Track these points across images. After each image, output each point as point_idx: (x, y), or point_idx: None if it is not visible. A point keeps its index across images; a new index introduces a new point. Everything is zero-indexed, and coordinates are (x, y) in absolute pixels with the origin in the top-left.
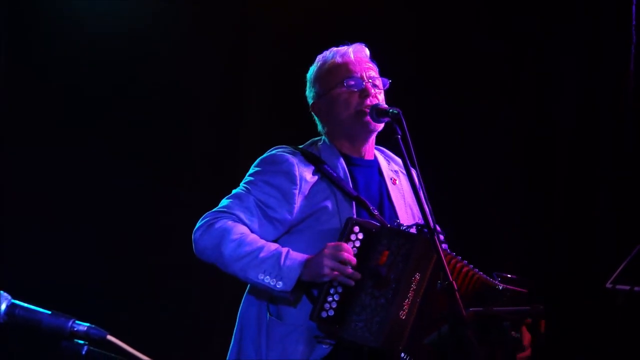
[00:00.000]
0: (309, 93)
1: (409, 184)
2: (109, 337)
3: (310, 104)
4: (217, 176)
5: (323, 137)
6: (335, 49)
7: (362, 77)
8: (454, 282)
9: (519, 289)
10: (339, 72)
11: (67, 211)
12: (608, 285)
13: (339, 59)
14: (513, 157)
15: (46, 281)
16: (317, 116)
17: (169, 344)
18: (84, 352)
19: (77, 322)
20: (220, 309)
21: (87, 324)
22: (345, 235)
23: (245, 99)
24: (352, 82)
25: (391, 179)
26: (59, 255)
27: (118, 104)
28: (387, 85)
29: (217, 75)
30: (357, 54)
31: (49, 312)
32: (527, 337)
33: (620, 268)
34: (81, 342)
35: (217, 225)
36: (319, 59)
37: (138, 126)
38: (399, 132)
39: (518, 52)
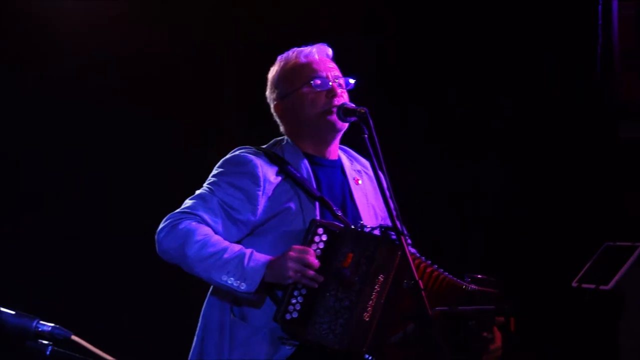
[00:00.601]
0: (271, 94)
1: (372, 183)
2: (74, 337)
3: (273, 104)
4: (197, 174)
5: (286, 137)
6: (297, 49)
7: (327, 77)
8: (420, 281)
9: (488, 289)
10: (304, 72)
11: (53, 211)
12: (574, 284)
13: (303, 59)
14: (482, 156)
15: (33, 284)
16: (280, 117)
17: (167, 344)
18: (48, 353)
19: (41, 322)
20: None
21: (52, 324)
22: (309, 237)
23: (224, 97)
24: (319, 82)
25: (354, 179)
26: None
27: (100, 101)
28: (351, 86)
29: (195, 72)
30: (320, 53)
31: (13, 312)
32: (498, 338)
33: (585, 267)
34: (45, 342)
35: (181, 226)
36: (281, 59)
37: (123, 126)
38: (366, 132)
39: (486, 50)
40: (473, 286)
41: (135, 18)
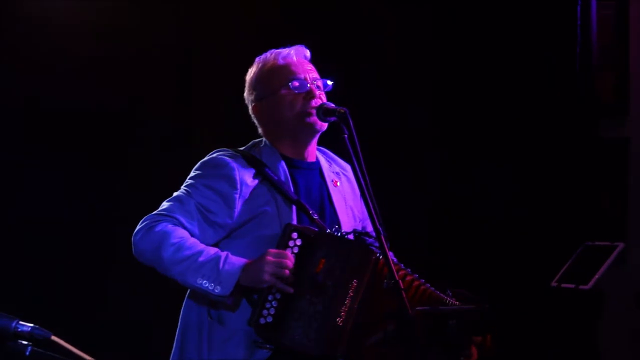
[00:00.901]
0: (249, 95)
1: (350, 184)
2: (53, 338)
3: (251, 106)
4: (169, 175)
5: (264, 139)
6: (275, 50)
7: (305, 79)
8: (400, 281)
9: (469, 304)
10: (282, 74)
11: (34, 209)
12: (553, 283)
13: (281, 61)
14: (460, 156)
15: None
16: (257, 118)
17: (146, 345)
18: (27, 353)
19: (20, 322)
20: None
21: (31, 325)
22: (283, 241)
23: (195, 97)
24: (297, 84)
25: (332, 181)
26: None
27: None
28: (329, 87)
29: (168, 72)
30: (298, 55)
31: None
32: (475, 353)
33: (564, 267)
34: (25, 342)
35: (157, 228)
36: (259, 60)
37: (88, 123)
38: (346, 132)
39: (464, 51)
40: (454, 300)
41: (128, 18)
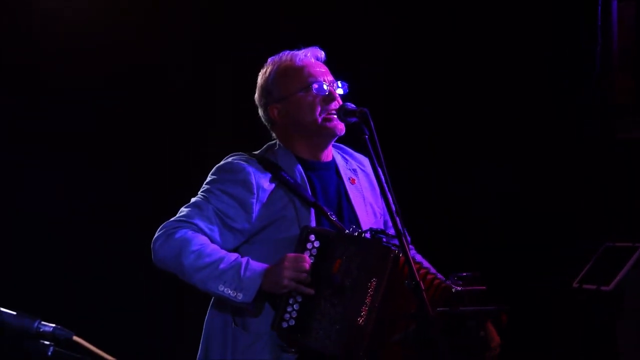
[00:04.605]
0: (262, 98)
1: (369, 179)
2: (75, 338)
3: (264, 108)
4: (186, 179)
5: (278, 142)
6: (290, 52)
7: (324, 81)
8: (420, 282)
9: (475, 287)
10: (300, 76)
11: (55, 211)
12: (575, 284)
13: (298, 63)
14: (479, 157)
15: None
16: (272, 121)
17: (168, 345)
18: (49, 353)
19: (42, 322)
20: None
21: (53, 325)
22: (301, 244)
23: (217, 100)
24: (317, 87)
25: (349, 179)
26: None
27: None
28: (346, 89)
29: (187, 74)
30: (314, 57)
31: (14, 313)
32: (495, 334)
33: (586, 268)
34: (47, 342)
35: (177, 235)
36: (273, 62)
37: (109, 127)
38: (367, 132)
39: (482, 51)
40: (458, 288)
41: (122, 15)
